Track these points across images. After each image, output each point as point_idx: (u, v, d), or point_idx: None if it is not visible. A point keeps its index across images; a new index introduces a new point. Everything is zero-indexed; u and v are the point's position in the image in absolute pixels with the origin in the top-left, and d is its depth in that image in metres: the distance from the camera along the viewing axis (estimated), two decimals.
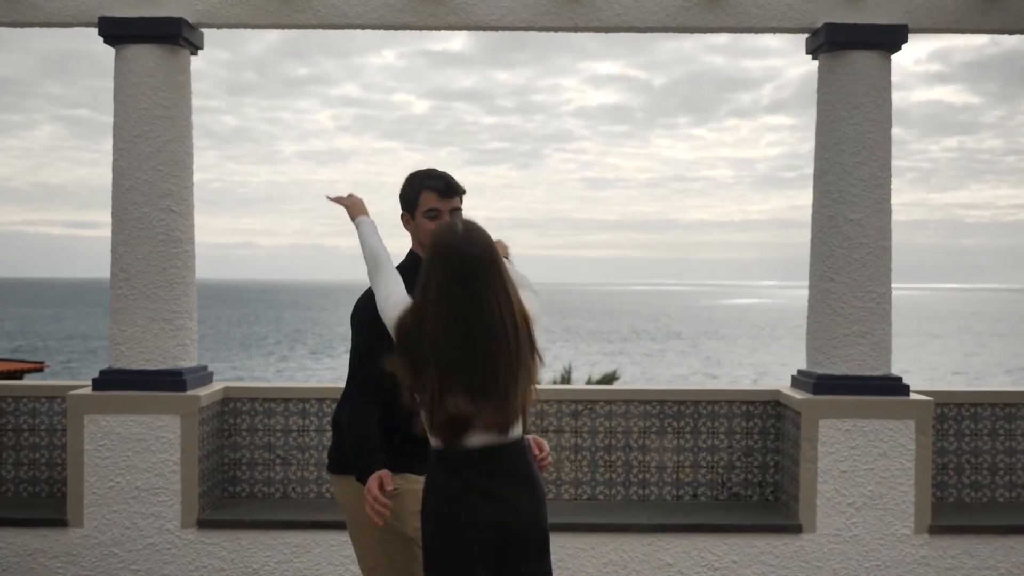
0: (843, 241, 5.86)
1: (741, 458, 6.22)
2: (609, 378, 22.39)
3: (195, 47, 6.05)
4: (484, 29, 6.02)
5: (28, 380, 20.32)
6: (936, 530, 5.73)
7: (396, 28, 6.00)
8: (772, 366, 58.94)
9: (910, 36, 5.86)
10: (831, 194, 5.91)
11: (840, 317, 5.86)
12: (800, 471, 5.77)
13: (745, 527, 5.77)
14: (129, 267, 5.82)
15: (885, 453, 5.75)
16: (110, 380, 5.79)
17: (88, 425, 5.71)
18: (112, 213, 5.89)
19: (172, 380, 5.77)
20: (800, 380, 6.10)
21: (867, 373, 5.84)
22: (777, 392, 6.21)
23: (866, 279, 5.85)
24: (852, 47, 5.83)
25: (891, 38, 5.84)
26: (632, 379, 49.87)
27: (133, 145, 5.81)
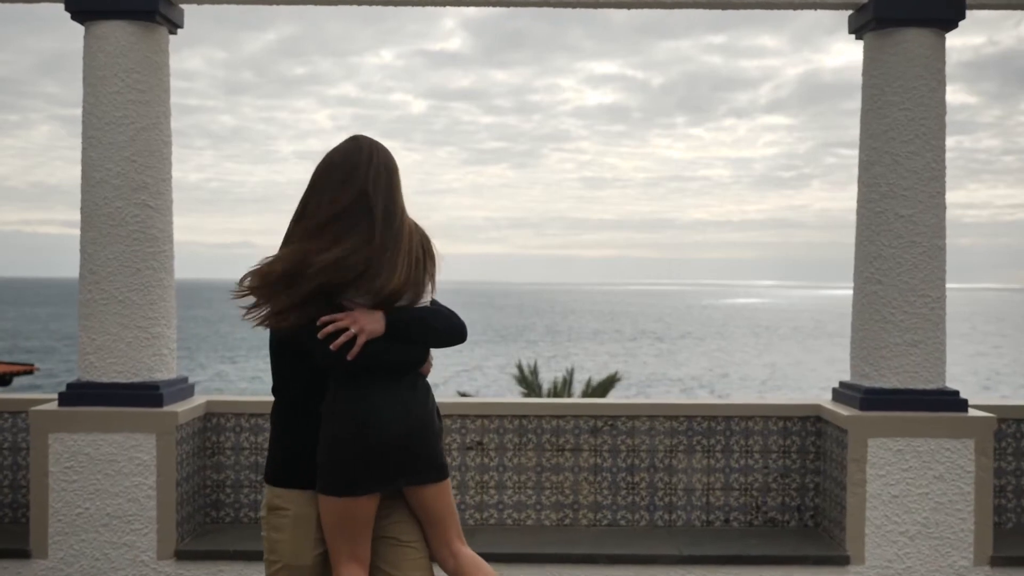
0: (893, 240, 5.28)
1: (777, 480, 5.64)
2: (610, 380, 21.73)
3: (174, 25, 5.47)
4: (494, 5, 5.44)
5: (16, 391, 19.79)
6: (999, 561, 5.15)
7: (396, 4, 5.42)
8: (784, 367, 58.32)
9: (967, 13, 5.28)
10: (879, 188, 5.32)
11: (890, 324, 5.28)
12: (847, 496, 5.18)
13: (786, 558, 5.18)
14: (99, 268, 5.23)
15: (941, 476, 5.16)
16: (78, 394, 5.20)
17: (53, 444, 5.12)
18: (81, 208, 5.30)
19: (147, 394, 5.18)
20: (844, 394, 5.51)
21: (920, 386, 5.26)
22: (818, 407, 5.62)
23: (919, 282, 5.27)
24: (903, 24, 5.25)
25: (947, 14, 5.25)
26: (641, 380, 49.21)
27: (104, 133, 5.22)
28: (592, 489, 5.62)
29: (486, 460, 5.60)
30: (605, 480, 5.62)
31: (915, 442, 5.17)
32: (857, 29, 5.50)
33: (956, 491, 5.16)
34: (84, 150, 5.28)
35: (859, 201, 5.48)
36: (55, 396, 5.33)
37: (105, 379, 5.21)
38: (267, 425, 5.57)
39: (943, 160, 5.33)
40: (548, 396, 20.63)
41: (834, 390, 5.67)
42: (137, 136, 5.23)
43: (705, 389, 47.48)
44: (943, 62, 5.33)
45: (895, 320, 5.27)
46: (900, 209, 5.26)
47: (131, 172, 5.22)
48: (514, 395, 23.06)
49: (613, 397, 21.52)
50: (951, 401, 5.25)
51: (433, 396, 3.20)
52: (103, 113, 5.21)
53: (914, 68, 5.26)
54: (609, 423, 5.62)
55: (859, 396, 5.28)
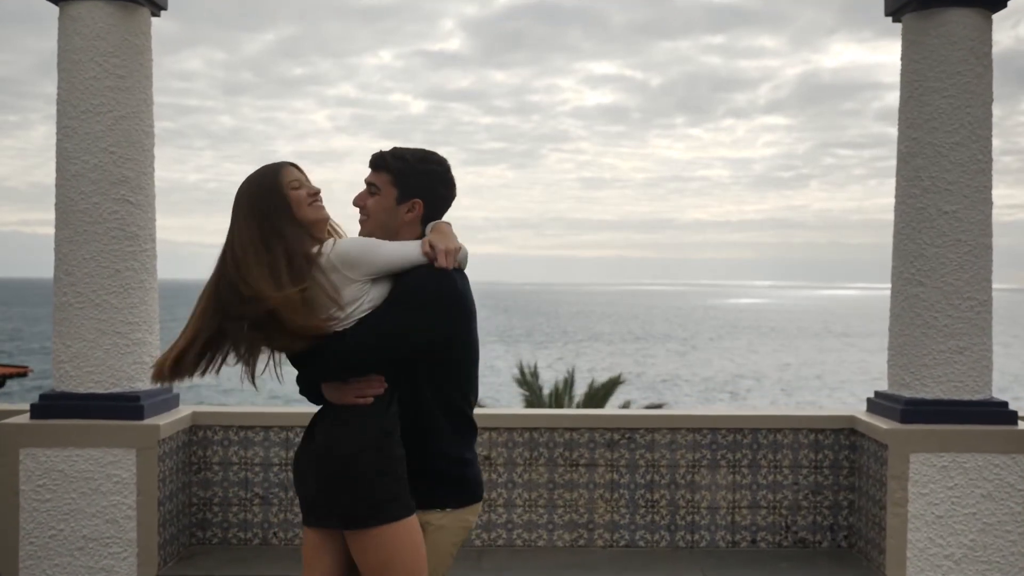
0: (936, 238, 4.87)
1: (808, 497, 5.22)
2: (613, 382, 21.28)
3: (156, 6, 5.07)
4: None
5: None
6: None
7: None
8: (797, 367, 57.86)
9: None
10: (921, 182, 4.91)
11: (932, 330, 4.87)
12: (886, 516, 4.76)
13: None
14: (75, 269, 4.83)
15: (989, 494, 4.75)
16: (52, 406, 4.80)
17: (24, 460, 4.72)
18: (56, 204, 4.91)
19: (127, 406, 4.78)
20: (881, 405, 5.09)
21: (965, 397, 4.85)
22: (852, 419, 5.21)
23: (964, 284, 4.86)
24: (946, 4, 4.85)
25: None
26: (650, 382, 48.61)
27: (80, 123, 4.82)
28: (608, 507, 5.21)
29: (494, 476, 5.19)
30: (622, 497, 5.21)
31: (961, 458, 4.75)
32: (895, 11, 5.09)
33: (1005, 511, 4.75)
34: (59, 141, 4.88)
35: (897, 196, 5.07)
36: (27, 408, 4.92)
37: (81, 389, 4.81)
38: (256, 439, 5.18)
39: (989, 152, 4.93)
40: (549, 398, 20.19)
41: (869, 400, 5.26)
42: (116, 125, 4.83)
43: (717, 391, 46.91)
44: (990, 45, 4.93)
45: (938, 325, 4.86)
46: (943, 205, 4.86)
47: (109, 165, 4.82)
48: (515, 397, 22.62)
49: (619, 402, 21.11)
50: (999, 413, 4.84)
51: (370, 433, 2.64)
52: (79, 101, 4.81)
53: (958, 52, 4.85)
54: (627, 436, 5.21)
55: (899, 408, 4.87)
